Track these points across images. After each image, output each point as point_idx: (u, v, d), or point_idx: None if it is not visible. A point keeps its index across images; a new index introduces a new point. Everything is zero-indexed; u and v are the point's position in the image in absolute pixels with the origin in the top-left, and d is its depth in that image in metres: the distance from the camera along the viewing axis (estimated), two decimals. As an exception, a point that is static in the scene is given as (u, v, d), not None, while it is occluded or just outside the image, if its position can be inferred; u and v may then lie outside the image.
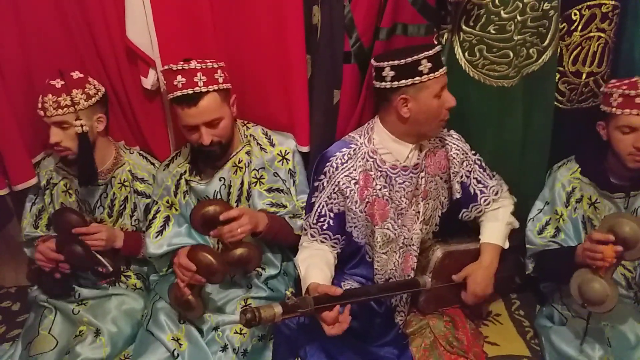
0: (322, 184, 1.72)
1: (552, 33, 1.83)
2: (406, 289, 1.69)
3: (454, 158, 1.76)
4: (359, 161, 1.69)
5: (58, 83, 1.72)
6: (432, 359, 1.64)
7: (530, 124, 1.94)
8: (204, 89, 1.62)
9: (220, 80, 1.67)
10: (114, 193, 1.91)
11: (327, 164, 1.71)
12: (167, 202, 1.85)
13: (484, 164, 1.83)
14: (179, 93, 1.62)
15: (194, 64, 1.63)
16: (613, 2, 1.83)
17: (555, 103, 1.96)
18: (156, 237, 1.82)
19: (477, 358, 1.68)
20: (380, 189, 1.70)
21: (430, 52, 1.56)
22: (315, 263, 1.63)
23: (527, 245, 1.90)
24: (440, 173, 1.76)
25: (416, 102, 1.60)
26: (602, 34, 1.87)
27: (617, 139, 1.70)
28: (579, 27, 1.86)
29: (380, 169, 1.70)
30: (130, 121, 1.98)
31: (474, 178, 1.80)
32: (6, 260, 2.30)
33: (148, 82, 1.88)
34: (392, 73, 1.59)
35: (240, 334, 1.72)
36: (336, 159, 1.70)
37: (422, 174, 1.71)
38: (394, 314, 1.77)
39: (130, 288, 1.95)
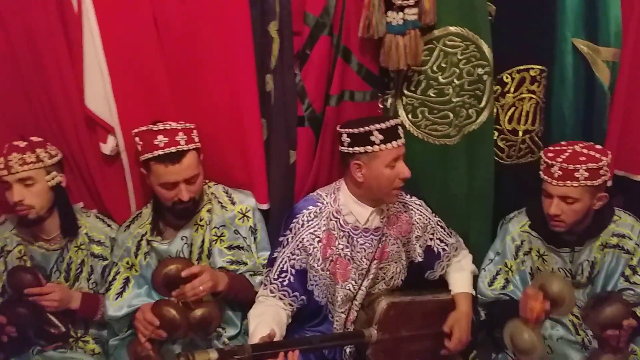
0: (287, 239, 1.76)
1: (488, 95, 1.98)
2: (350, 340, 1.70)
3: (417, 223, 1.83)
4: (324, 220, 1.74)
5: (21, 143, 1.78)
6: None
7: (473, 178, 2.06)
8: (185, 147, 1.72)
9: (196, 139, 1.78)
10: (70, 257, 1.90)
11: (294, 220, 1.76)
12: (127, 263, 1.86)
13: (443, 224, 1.91)
14: (161, 152, 1.70)
15: (174, 124, 1.74)
16: (540, 67, 2.00)
17: (496, 158, 2.09)
18: (116, 298, 1.82)
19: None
20: (342, 249, 1.73)
21: (383, 125, 1.66)
22: (267, 321, 1.64)
23: (479, 296, 1.96)
24: (401, 237, 1.82)
25: (368, 169, 1.68)
26: (532, 95, 2.02)
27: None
28: (512, 89, 2.01)
29: (343, 229, 1.74)
30: (89, 185, 1.99)
31: (437, 239, 1.88)
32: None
33: (107, 147, 1.91)
34: (348, 140, 1.69)
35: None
36: (302, 216, 1.75)
37: (384, 237, 1.77)
38: None
39: (88, 353, 1.90)
